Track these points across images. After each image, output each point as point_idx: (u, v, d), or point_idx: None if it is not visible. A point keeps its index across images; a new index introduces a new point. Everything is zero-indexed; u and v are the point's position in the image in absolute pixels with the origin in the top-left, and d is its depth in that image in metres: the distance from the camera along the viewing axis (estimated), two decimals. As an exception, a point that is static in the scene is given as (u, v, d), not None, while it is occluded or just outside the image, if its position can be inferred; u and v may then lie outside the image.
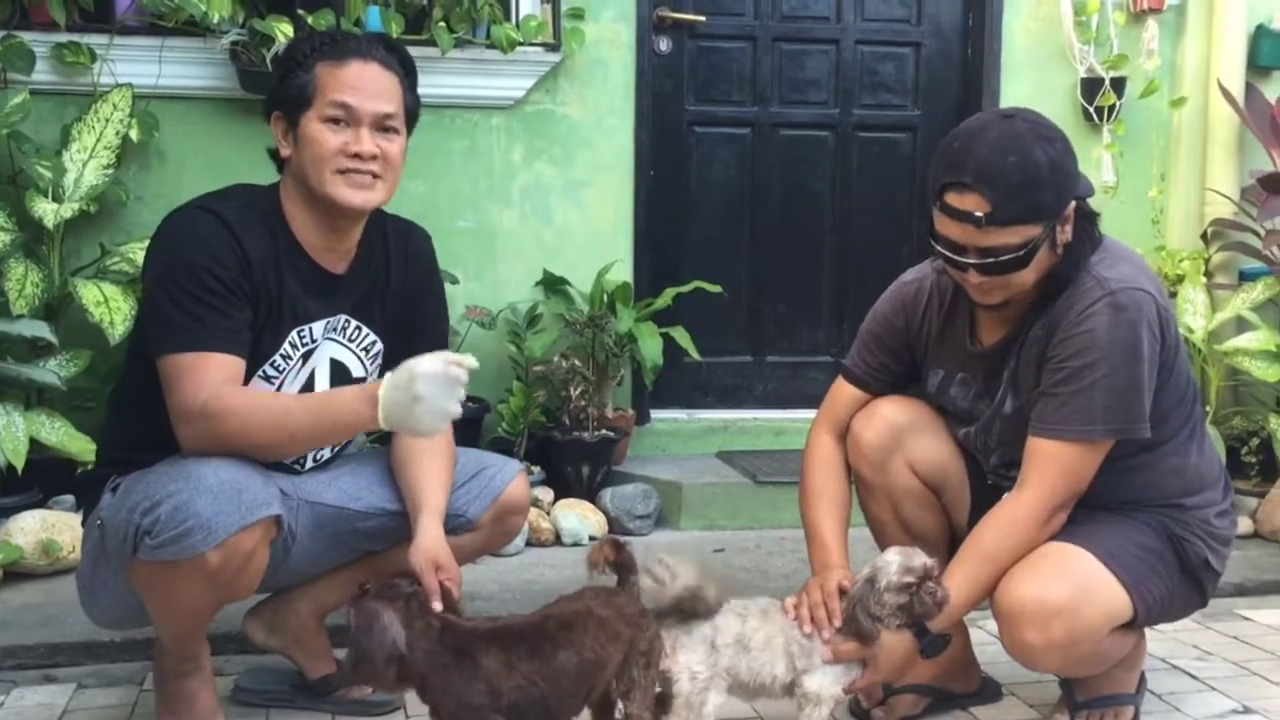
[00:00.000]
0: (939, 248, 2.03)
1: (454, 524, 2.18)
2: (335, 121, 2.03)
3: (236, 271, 1.98)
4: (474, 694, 1.82)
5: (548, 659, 1.87)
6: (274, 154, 2.13)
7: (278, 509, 1.93)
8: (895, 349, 2.29)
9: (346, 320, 2.17)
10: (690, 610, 2.01)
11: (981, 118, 2.04)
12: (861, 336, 2.33)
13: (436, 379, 1.82)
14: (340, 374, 2.18)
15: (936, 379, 2.26)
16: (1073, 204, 2.01)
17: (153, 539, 1.85)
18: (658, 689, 1.99)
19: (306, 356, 2.13)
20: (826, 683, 2.03)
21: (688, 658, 2.00)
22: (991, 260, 1.97)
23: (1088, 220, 2.06)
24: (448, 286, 3.63)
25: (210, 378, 1.93)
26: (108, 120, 3.39)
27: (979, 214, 1.94)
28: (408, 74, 2.13)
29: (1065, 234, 2.02)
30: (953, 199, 1.97)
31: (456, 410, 1.85)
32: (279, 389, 2.10)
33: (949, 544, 2.27)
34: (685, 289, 3.90)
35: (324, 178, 2.03)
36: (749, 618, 2.05)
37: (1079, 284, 2.04)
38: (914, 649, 2.05)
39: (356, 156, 2.03)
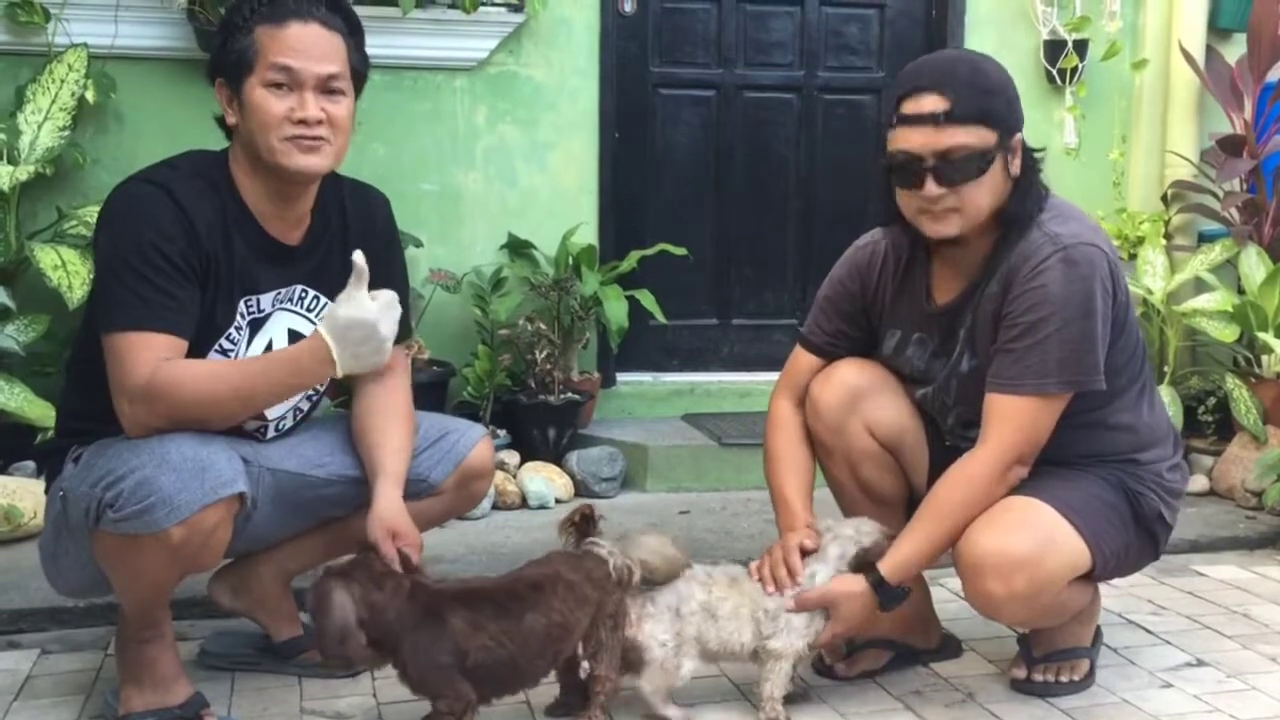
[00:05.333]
0: (894, 174, 2.07)
1: (417, 489, 2.18)
2: (278, 86, 1.98)
3: (184, 245, 1.94)
4: (440, 653, 1.84)
5: (515, 620, 1.89)
6: (221, 121, 2.08)
7: (242, 486, 1.91)
8: (851, 314, 2.30)
9: (304, 290, 2.13)
10: (650, 580, 2.04)
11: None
12: (818, 303, 2.34)
13: (393, 317, 1.98)
14: None
15: (893, 340, 2.28)
16: (1019, 137, 2.09)
17: (115, 512, 1.84)
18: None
19: (255, 326, 2.09)
20: (792, 639, 2.08)
21: (653, 627, 2.03)
22: (949, 163, 2.01)
23: (1032, 162, 2.12)
24: (411, 250, 3.65)
25: (151, 356, 1.89)
26: (63, 81, 3.33)
27: (939, 111, 2.01)
28: (352, 33, 2.07)
29: (1015, 166, 2.08)
30: (910, 106, 2.04)
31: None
32: None
33: (907, 506, 2.30)
34: (650, 252, 3.89)
35: (271, 145, 1.99)
36: (715, 586, 2.09)
37: (1031, 240, 2.07)
38: (874, 601, 2.09)
39: (302, 122, 1.98)
